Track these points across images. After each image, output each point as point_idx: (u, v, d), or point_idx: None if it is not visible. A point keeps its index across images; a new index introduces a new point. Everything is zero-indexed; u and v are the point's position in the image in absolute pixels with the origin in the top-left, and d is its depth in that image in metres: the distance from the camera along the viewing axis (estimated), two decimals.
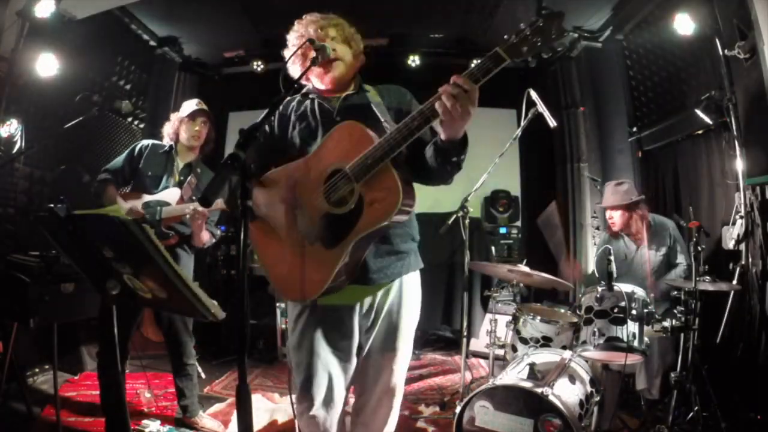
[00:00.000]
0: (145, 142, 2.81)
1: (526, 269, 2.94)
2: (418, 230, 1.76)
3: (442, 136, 1.45)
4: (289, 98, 1.77)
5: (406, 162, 1.55)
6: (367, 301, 1.66)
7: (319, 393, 1.66)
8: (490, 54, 1.33)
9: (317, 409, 1.67)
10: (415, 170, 1.58)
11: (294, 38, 1.70)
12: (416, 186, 1.61)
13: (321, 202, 1.54)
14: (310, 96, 1.75)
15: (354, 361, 1.71)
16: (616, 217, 3.17)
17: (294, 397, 1.71)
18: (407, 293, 1.71)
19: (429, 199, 4.94)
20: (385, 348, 1.69)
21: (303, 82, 1.72)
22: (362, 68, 1.80)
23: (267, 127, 1.73)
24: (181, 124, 2.75)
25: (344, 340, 1.67)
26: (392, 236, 1.64)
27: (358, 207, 1.47)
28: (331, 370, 1.67)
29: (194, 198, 2.70)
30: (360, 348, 1.71)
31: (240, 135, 1.24)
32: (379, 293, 1.66)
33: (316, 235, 1.54)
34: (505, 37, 1.31)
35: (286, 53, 1.71)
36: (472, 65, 1.36)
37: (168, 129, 2.80)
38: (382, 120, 1.60)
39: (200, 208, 2.52)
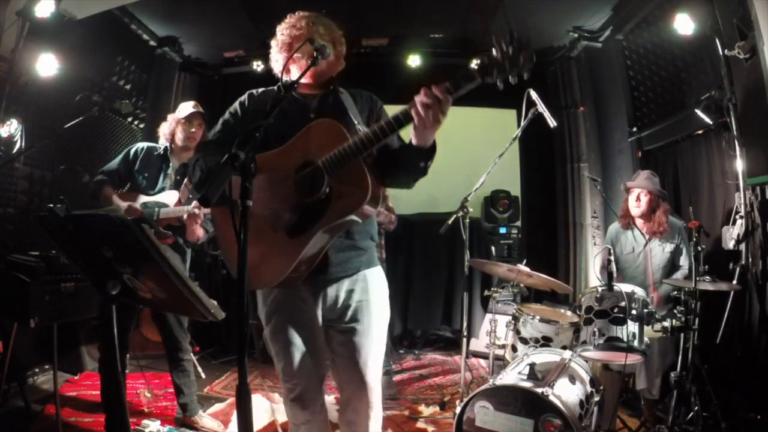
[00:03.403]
0: (140, 145, 2.85)
1: (526, 269, 2.94)
2: (377, 231, 1.83)
3: (413, 141, 1.52)
4: (264, 90, 1.81)
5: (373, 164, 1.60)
6: (331, 294, 1.70)
7: (301, 377, 1.73)
8: (464, 71, 1.41)
9: (301, 392, 1.74)
10: (385, 167, 1.63)
11: (284, 29, 1.73)
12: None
13: (290, 191, 1.58)
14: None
15: (325, 349, 1.77)
16: (644, 201, 3.13)
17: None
18: (373, 289, 1.75)
19: (429, 199, 4.96)
20: (357, 344, 1.72)
21: (280, 74, 1.73)
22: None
23: (239, 117, 1.78)
24: (177, 125, 2.79)
25: (311, 330, 1.73)
26: (354, 232, 1.70)
27: (326, 199, 1.53)
28: (307, 355, 1.74)
29: (191, 197, 2.73)
30: (329, 341, 1.75)
31: (240, 135, 1.25)
32: (344, 289, 1.71)
33: (282, 223, 1.59)
34: (478, 60, 1.41)
35: (273, 43, 1.75)
36: (447, 83, 1.42)
37: (164, 129, 2.85)
38: (356, 123, 1.66)
39: (196, 211, 2.59)
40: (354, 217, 1.54)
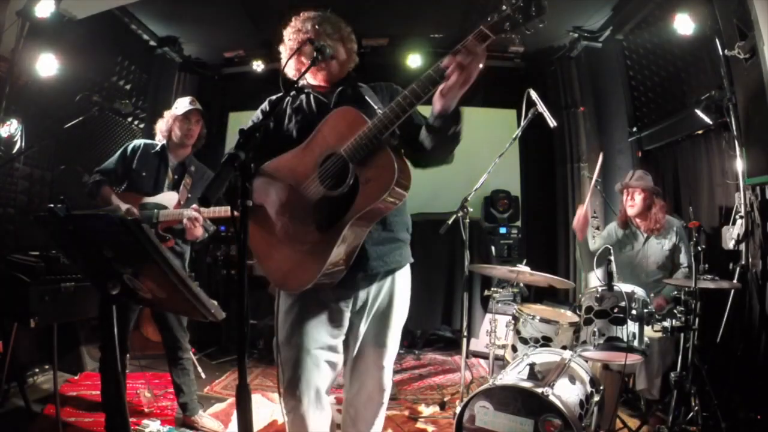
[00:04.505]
0: (137, 142, 2.82)
1: (527, 269, 2.94)
2: (411, 224, 1.79)
3: (436, 109, 1.46)
4: (281, 95, 1.78)
5: (403, 147, 1.57)
6: (361, 297, 1.68)
7: (308, 391, 1.64)
8: (476, 32, 1.37)
9: (306, 408, 1.65)
10: (414, 155, 1.59)
11: (291, 33, 1.72)
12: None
13: (316, 186, 1.55)
14: (305, 90, 1.75)
15: (341, 358, 1.73)
16: (638, 200, 3.16)
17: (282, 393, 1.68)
18: (399, 289, 1.73)
19: (429, 199, 4.95)
20: (376, 344, 1.71)
21: (295, 79, 1.72)
22: (355, 69, 1.82)
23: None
24: (174, 122, 2.76)
25: (335, 336, 1.68)
26: (392, 223, 1.65)
27: (354, 187, 1.48)
28: (320, 367, 1.66)
29: (190, 196, 2.74)
30: (347, 345, 1.72)
31: (240, 135, 1.25)
32: (372, 289, 1.68)
33: (312, 220, 1.55)
34: (488, 18, 1.36)
35: (282, 48, 1.75)
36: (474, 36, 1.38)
37: (161, 126, 2.80)
38: (376, 108, 1.62)
39: (195, 215, 2.57)
40: (384, 202, 1.48)
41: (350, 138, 1.48)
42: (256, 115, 1.79)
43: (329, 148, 1.54)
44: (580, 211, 3.33)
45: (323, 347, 1.67)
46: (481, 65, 1.37)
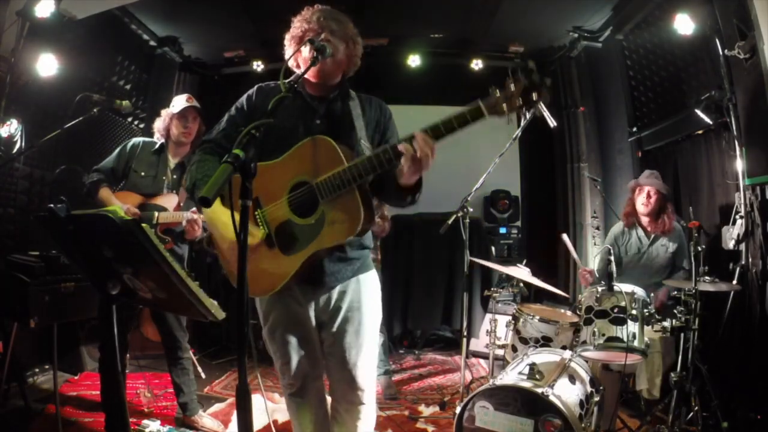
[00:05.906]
0: (136, 140, 2.81)
1: (526, 271, 2.94)
2: (371, 238, 1.83)
3: (400, 182, 1.54)
4: (275, 84, 1.76)
5: (369, 183, 1.61)
6: (323, 297, 1.72)
7: (298, 375, 1.77)
8: (472, 106, 1.42)
9: (299, 389, 1.80)
10: (376, 191, 1.66)
11: (297, 21, 1.72)
12: None
13: (284, 209, 1.61)
14: (296, 88, 1.72)
15: (320, 348, 1.80)
16: (653, 200, 3.16)
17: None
18: (365, 291, 1.77)
19: (429, 199, 4.94)
20: (349, 345, 1.74)
21: (291, 67, 1.72)
22: (356, 73, 1.83)
23: (246, 112, 1.75)
24: (171, 120, 2.75)
25: (305, 330, 1.76)
26: (345, 244, 1.69)
27: (319, 222, 1.57)
28: (303, 354, 1.77)
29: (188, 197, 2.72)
30: (322, 342, 1.78)
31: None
32: (336, 291, 1.73)
33: (273, 238, 1.62)
34: (490, 90, 1.39)
35: (287, 36, 1.74)
36: (452, 112, 1.44)
37: (159, 125, 2.79)
38: (359, 138, 1.67)
39: (195, 216, 2.57)
40: (350, 239, 1.58)
41: (325, 172, 1.54)
42: (241, 101, 1.77)
43: (303, 174, 1.59)
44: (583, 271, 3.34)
45: (302, 337, 1.76)
46: (431, 161, 1.45)
